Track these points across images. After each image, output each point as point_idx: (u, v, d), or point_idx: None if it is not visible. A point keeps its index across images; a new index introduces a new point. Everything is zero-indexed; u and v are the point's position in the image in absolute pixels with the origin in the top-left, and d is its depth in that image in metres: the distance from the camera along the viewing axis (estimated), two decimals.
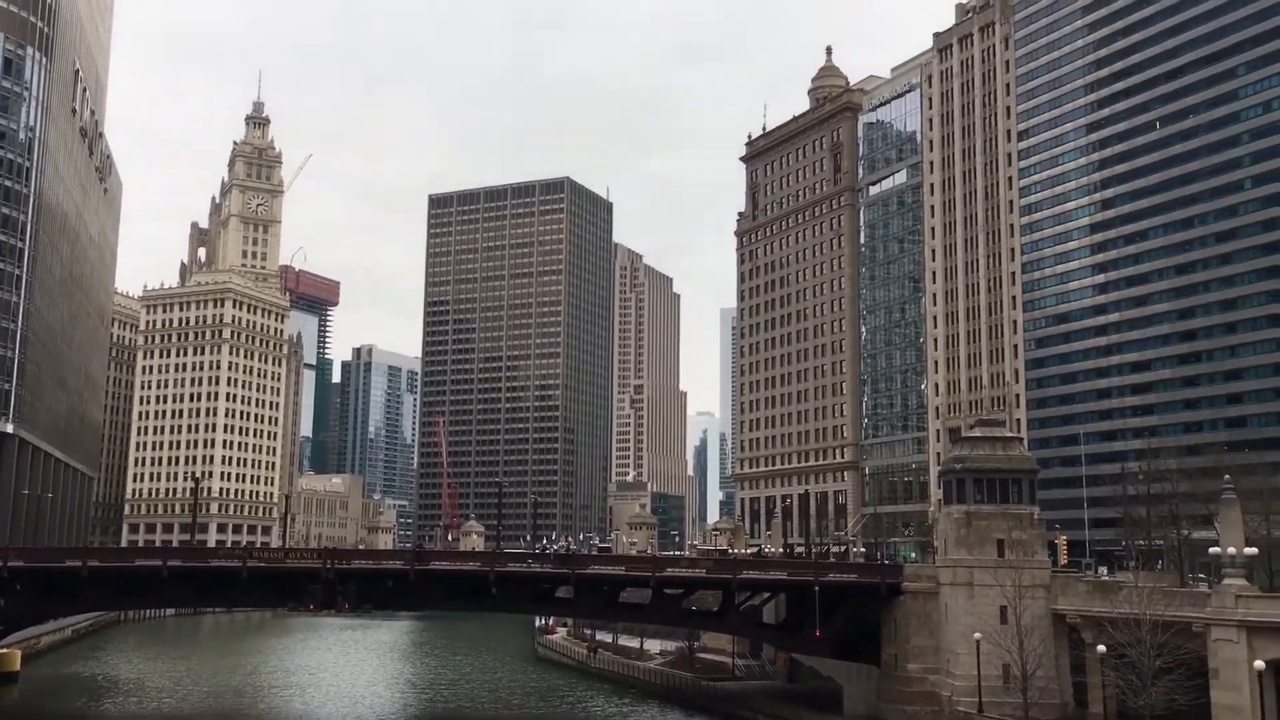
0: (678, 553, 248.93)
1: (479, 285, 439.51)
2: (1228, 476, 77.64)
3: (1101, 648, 71.50)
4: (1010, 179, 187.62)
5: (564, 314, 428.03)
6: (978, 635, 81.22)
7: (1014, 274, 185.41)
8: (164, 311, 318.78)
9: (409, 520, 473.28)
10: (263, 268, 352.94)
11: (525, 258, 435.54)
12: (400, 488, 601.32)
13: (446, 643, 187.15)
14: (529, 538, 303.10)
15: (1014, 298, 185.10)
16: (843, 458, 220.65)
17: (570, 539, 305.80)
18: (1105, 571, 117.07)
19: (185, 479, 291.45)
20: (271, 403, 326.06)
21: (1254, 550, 73.04)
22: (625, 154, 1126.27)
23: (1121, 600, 73.98)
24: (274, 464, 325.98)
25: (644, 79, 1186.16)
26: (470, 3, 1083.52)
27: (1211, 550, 75.94)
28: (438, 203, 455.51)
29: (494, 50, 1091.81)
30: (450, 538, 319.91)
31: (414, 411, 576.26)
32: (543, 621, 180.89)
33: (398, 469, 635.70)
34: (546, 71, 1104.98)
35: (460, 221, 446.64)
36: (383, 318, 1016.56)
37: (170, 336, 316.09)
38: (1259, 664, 63.04)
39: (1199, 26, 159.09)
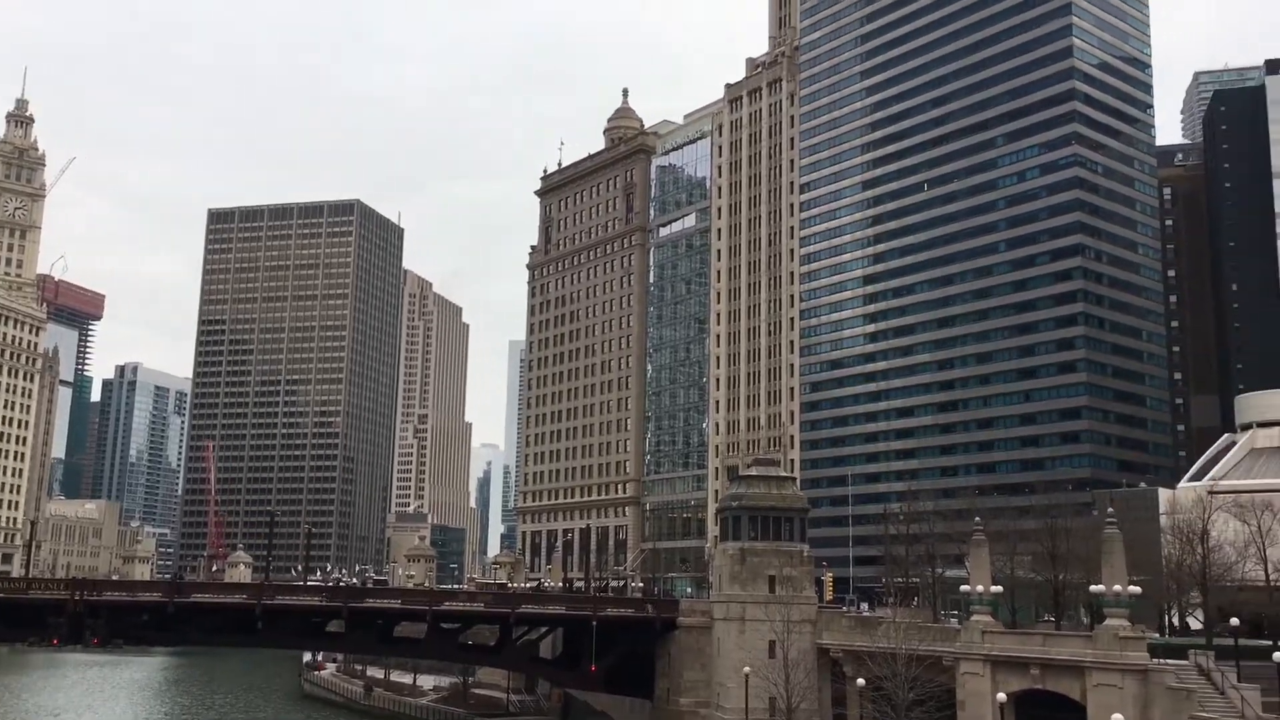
0: (456, 586, 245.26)
1: (259, 305, 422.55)
2: (978, 519, 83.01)
3: (861, 680, 74.78)
4: (792, 228, 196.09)
5: (348, 339, 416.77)
6: (747, 669, 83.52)
7: (793, 319, 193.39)
8: None
9: (170, 550, 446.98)
10: (18, 276, 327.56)
11: (310, 279, 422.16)
12: (162, 515, 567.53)
13: (205, 680, 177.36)
14: (300, 569, 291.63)
15: (792, 342, 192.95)
16: (624, 493, 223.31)
17: (345, 571, 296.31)
18: (866, 607, 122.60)
19: None
20: (20, 420, 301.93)
21: (999, 588, 78.34)
22: (421, 180, 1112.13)
23: (880, 635, 77.68)
24: (19, 487, 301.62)
25: (444, 106, 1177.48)
26: (265, 16, 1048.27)
27: (962, 588, 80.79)
28: (218, 218, 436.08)
29: (289, 66, 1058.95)
30: (215, 569, 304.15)
31: (181, 435, 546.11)
32: (311, 656, 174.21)
33: (160, 495, 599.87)
34: (343, 92, 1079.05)
35: (242, 239, 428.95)
36: (152, 335, 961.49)
37: None
38: (1001, 696, 67.28)
39: (963, 99, 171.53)
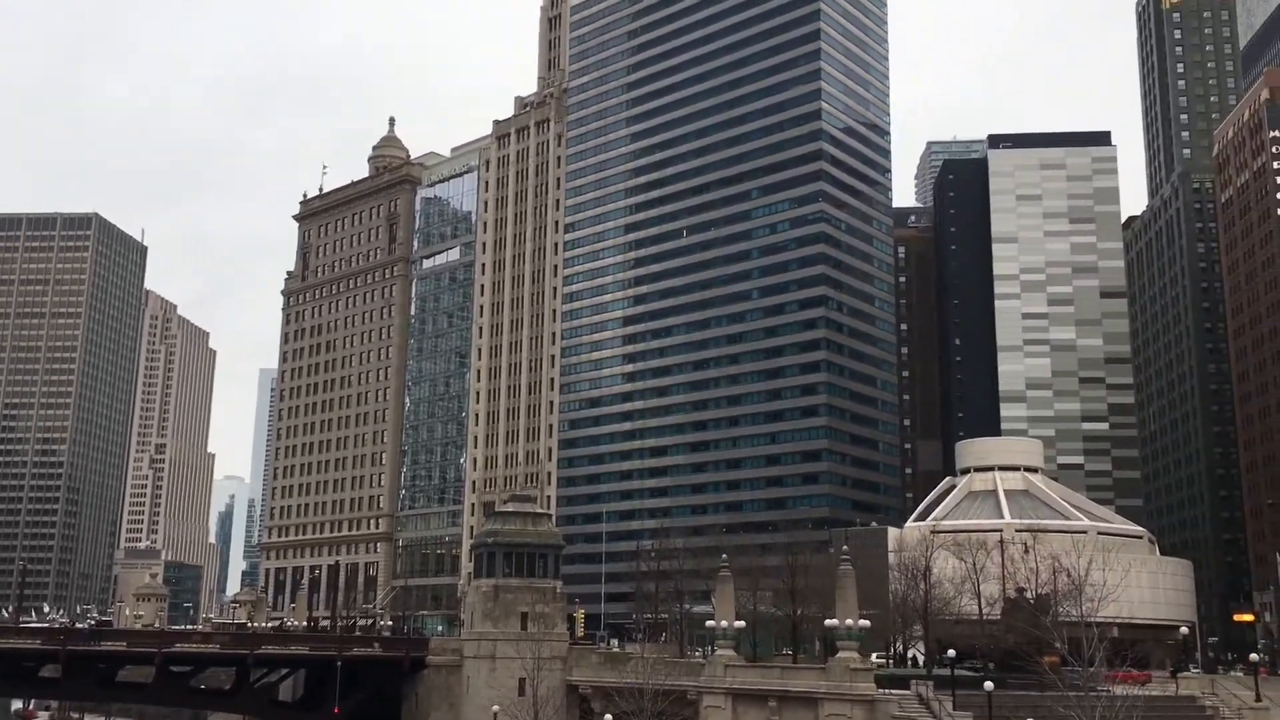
0: (190, 626, 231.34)
1: None
2: (725, 556, 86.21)
3: (609, 716, 75.86)
4: (555, 267, 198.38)
5: (79, 361, 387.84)
6: (496, 708, 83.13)
7: (554, 357, 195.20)
8: None
9: None
10: None
11: (38, 296, 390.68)
12: None
13: None
14: (12, 609, 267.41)
15: (552, 380, 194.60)
16: (377, 528, 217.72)
17: (64, 611, 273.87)
18: (617, 643, 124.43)
19: None
20: None
21: (742, 623, 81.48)
22: (174, 199, 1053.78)
23: (629, 671, 79.12)
24: None
25: (204, 125, 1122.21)
26: (8, 10, 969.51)
27: (708, 623, 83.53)
28: None
29: (30, 70, 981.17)
30: None
31: None
32: (22, 705, 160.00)
33: None
34: (93, 103, 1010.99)
35: None
36: None
37: None
38: None
39: (722, 151, 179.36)
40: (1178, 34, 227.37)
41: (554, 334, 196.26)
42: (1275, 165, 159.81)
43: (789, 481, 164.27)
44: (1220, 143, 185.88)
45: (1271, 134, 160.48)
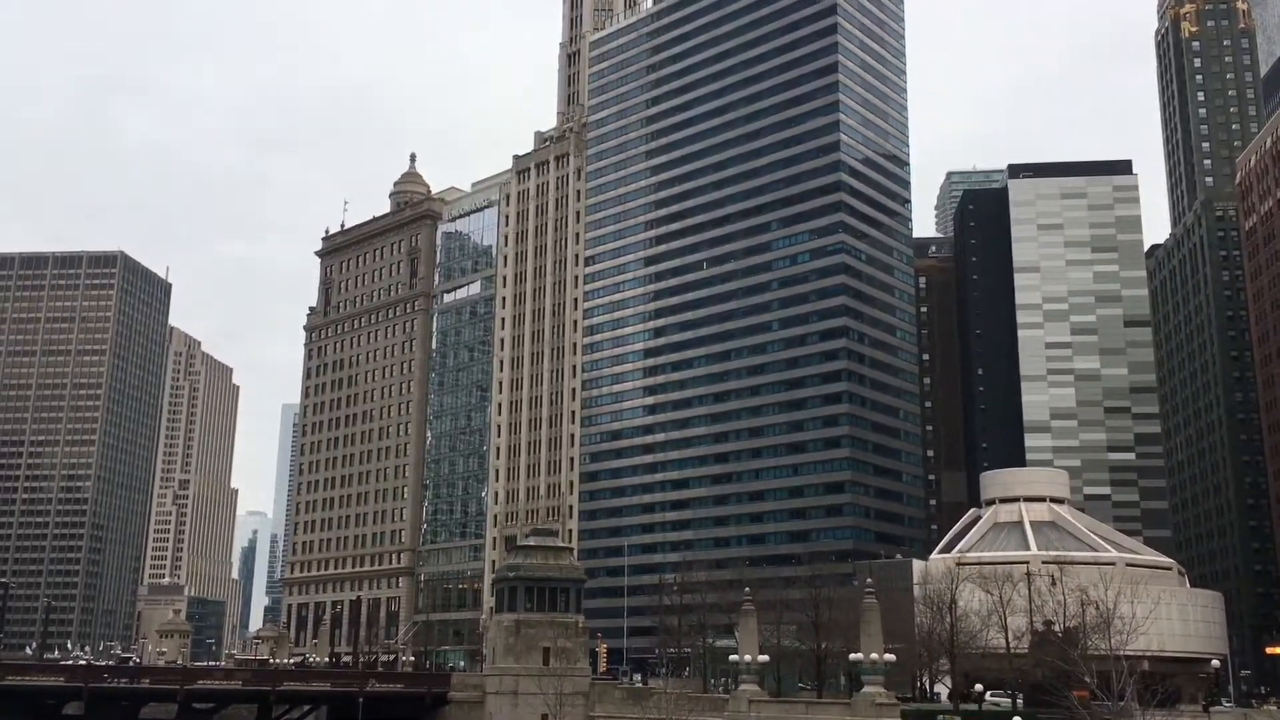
0: (213, 663, 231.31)
1: (2, 359, 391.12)
2: (748, 589, 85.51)
3: None
4: (576, 300, 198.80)
5: (104, 398, 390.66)
6: None
7: (575, 390, 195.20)
8: None
9: None
10: None
11: (64, 333, 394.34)
12: None
13: None
14: (36, 645, 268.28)
15: (573, 413, 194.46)
16: (399, 563, 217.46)
17: (88, 648, 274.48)
18: (639, 678, 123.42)
19: None
20: None
21: (766, 657, 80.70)
22: (197, 235, 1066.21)
23: (652, 706, 78.46)
24: None
25: (226, 161, 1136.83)
26: (38, 52, 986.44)
27: (731, 657, 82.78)
28: None
29: (60, 107, 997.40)
30: None
31: None
32: None
33: None
34: (119, 140, 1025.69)
35: None
36: None
37: None
38: None
39: (741, 184, 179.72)
40: (1198, 62, 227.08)
41: (575, 367, 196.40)
42: None
43: (812, 513, 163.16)
44: (1243, 170, 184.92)
45: None
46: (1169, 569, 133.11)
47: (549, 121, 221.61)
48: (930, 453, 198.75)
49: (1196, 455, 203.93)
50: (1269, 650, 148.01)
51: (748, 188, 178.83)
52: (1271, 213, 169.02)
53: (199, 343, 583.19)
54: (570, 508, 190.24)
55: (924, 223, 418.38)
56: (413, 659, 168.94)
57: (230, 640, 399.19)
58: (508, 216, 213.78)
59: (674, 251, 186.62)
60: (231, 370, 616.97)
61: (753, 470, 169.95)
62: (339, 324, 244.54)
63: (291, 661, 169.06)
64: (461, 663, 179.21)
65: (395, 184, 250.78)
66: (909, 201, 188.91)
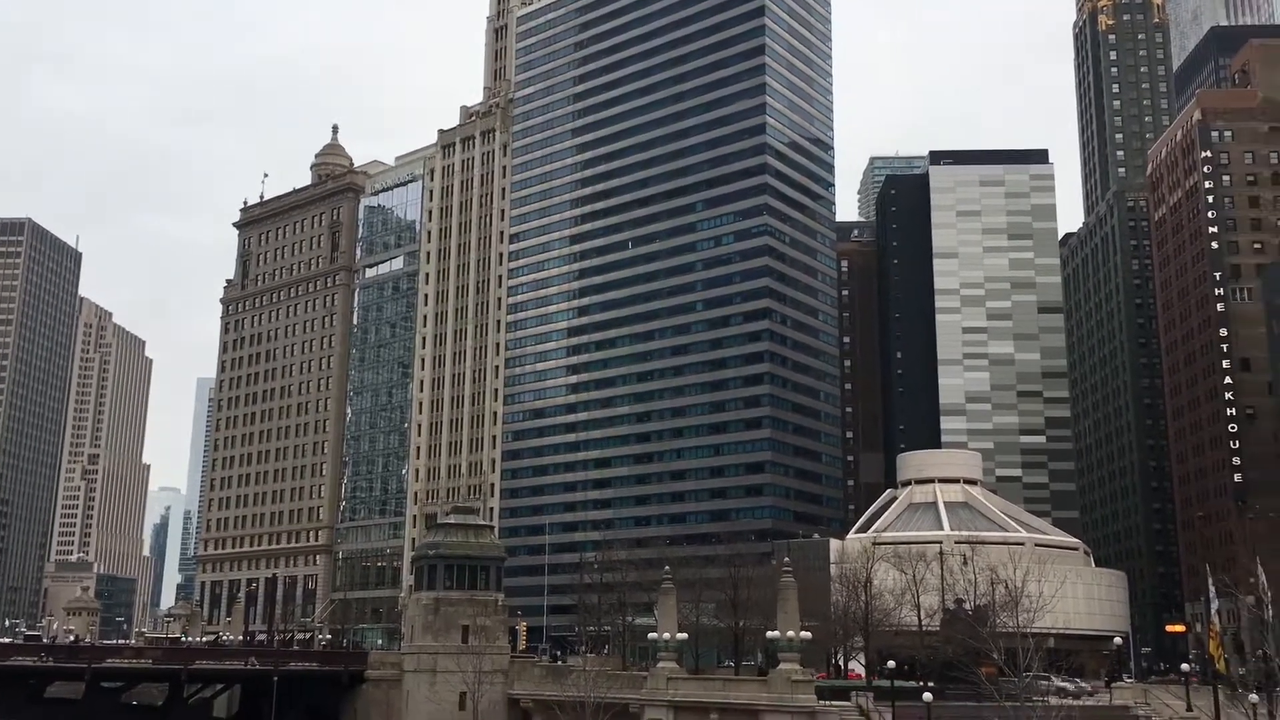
0: (123, 641, 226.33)
1: None
2: (667, 568, 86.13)
3: None
4: (500, 277, 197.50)
5: (9, 369, 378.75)
6: None
7: (498, 368, 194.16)
8: None
9: None
10: None
11: None
12: None
13: None
14: None
15: (496, 390, 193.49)
16: (316, 540, 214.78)
17: None
18: (559, 656, 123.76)
19: None
20: None
21: (685, 635, 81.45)
22: (116, 208, 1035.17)
23: (570, 684, 78.77)
24: None
25: (149, 133, 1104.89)
26: None
27: (650, 635, 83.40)
28: None
29: None
30: None
31: None
32: None
33: None
34: (31, 109, 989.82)
35: None
36: None
37: None
38: None
39: (667, 164, 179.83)
40: (1113, 55, 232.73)
41: (498, 344, 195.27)
42: (1207, 185, 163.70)
43: (732, 493, 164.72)
44: (1154, 162, 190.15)
45: (1203, 154, 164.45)
46: (1075, 549, 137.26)
47: (476, 97, 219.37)
48: (849, 434, 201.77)
49: (1104, 439, 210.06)
50: (1169, 628, 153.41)
51: (674, 168, 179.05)
52: (1180, 204, 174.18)
53: (110, 314, 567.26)
54: (492, 486, 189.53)
55: (847, 207, 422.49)
56: (329, 637, 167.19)
57: (141, 618, 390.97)
58: (432, 192, 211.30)
59: (599, 230, 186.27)
60: (144, 343, 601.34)
61: (674, 450, 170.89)
62: (257, 297, 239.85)
63: (204, 640, 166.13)
64: (380, 641, 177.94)
65: (317, 156, 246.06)
66: (833, 185, 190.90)
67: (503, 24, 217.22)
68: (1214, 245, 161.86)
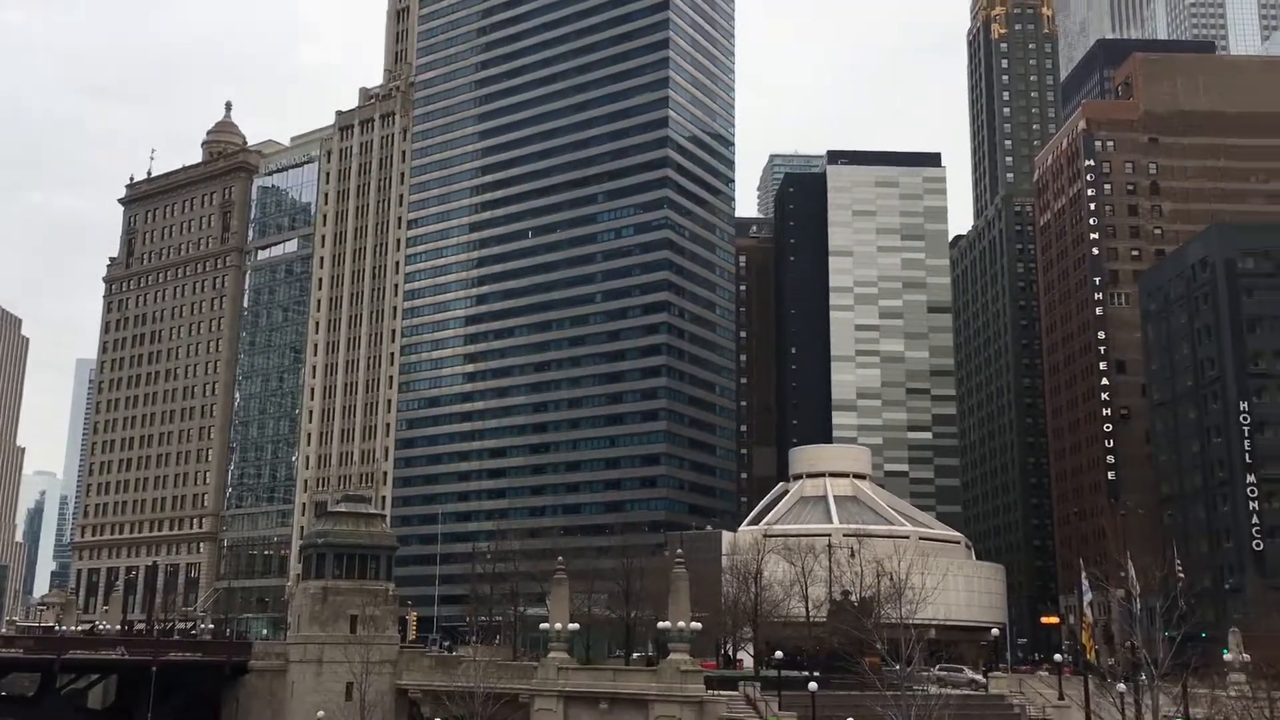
0: None
1: None
2: (561, 558, 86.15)
3: None
4: (398, 263, 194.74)
5: None
6: (321, 713, 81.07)
7: (393, 355, 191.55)
8: None
9: None
10: None
11: None
12: None
13: None
14: None
15: (391, 377, 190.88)
16: (201, 528, 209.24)
17: None
18: (450, 646, 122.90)
19: None
20: None
21: (576, 626, 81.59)
22: None
23: (460, 674, 78.24)
24: None
25: (31, 108, 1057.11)
26: None
27: (542, 625, 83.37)
28: None
29: None
30: None
31: None
32: None
33: None
34: None
35: None
36: None
37: None
38: None
39: (569, 154, 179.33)
40: (1005, 63, 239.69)
41: (394, 331, 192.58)
42: (1089, 192, 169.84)
43: (627, 484, 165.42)
44: (1040, 168, 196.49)
45: (1087, 163, 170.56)
46: (958, 543, 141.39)
47: (376, 79, 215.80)
48: (744, 427, 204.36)
49: (987, 436, 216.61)
50: (1044, 620, 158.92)
51: (576, 158, 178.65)
52: (1064, 210, 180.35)
53: None
54: (385, 474, 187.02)
55: (747, 203, 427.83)
56: (212, 627, 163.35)
57: (13, 606, 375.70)
58: (329, 174, 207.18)
59: (499, 219, 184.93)
60: (21, 321, 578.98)
61: (570, 440, 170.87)
62: (142, 276, 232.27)
63: (79, 629, 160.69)
64: (265, 631, 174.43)
65: (209, 133, 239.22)
66: (733, 181, 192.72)
67: (405, 5, 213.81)
68: (1094, 251, 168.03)
